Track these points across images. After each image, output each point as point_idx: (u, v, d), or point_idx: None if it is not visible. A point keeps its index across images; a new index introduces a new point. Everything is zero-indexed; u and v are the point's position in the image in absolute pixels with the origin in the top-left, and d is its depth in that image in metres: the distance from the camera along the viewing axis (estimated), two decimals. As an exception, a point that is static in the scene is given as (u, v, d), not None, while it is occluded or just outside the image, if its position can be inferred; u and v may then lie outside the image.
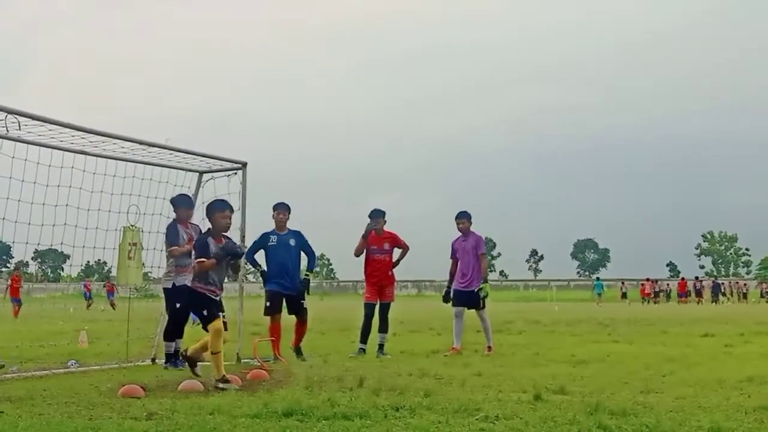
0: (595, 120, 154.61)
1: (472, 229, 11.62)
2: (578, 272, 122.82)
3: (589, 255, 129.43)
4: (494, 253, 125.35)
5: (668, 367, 8.79)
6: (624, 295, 57.68)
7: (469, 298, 11.40)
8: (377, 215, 11.34)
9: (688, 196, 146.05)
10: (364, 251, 11.35)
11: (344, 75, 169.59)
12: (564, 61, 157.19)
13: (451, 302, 11.62)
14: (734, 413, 5.49)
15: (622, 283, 62.58)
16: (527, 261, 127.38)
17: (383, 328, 11.23)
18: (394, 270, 11.54)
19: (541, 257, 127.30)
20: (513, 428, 4.90)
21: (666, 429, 4.75)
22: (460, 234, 11.58)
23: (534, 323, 20.40)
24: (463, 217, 11.54)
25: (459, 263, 11.53)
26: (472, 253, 11.43)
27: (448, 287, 11.72)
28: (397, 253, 11.55)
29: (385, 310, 11.28)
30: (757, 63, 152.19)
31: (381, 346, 11.08)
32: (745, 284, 67.61)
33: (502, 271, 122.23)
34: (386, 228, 11.45)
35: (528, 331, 16.57)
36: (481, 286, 11.47)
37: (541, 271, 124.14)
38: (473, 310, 11.46)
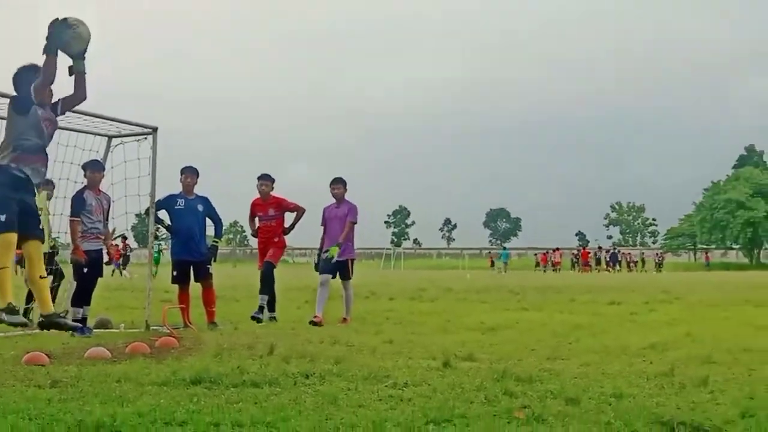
0: (513, 94, 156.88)
1: (347, 197, 11.21)
2: (490, 241, 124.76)
3: (501, 224, 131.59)
4: (408, 221, 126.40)
5: (575, 334, 8.97)
6: (492, 264, 58.95)
7: (337, 267, 10.94)
8: (264, 178, 11.29)
9: (598, 167, 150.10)
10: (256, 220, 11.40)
11: (265, 48, 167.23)
12: (491, 34, 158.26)
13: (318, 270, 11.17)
14: (636, 379, 5.62)
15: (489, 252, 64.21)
16: (440, 230, 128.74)
17: (263, 289, 10.96)
18: (288, 235, 11.44)
19: (455, 226, 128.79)
20: (421, 395, 4.94)
21: (570, 395, 4.84)
22: (334, 201, 11.24)
23: (446, 291, 20.64)
24: (338, 183, 11.22)
25: (328, 230, 11.18)
26: (344, 221, 11.05)
27: (319, 255, 11.24)
28: (291, 217, 11.42)
29: (266, 270, 11.00)
30: (669, 43, 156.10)
31: (261, 308, 10.79)
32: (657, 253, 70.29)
33: (416, 239, 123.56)
34: (278, 194, 11.40)
35: (440, 299, 16.76)
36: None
37: (454, 239, 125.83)
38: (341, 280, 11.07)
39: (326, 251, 10.92)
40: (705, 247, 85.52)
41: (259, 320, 10.55)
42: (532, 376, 5.59)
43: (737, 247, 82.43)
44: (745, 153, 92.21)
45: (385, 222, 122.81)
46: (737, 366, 6.07)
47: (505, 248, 68.85)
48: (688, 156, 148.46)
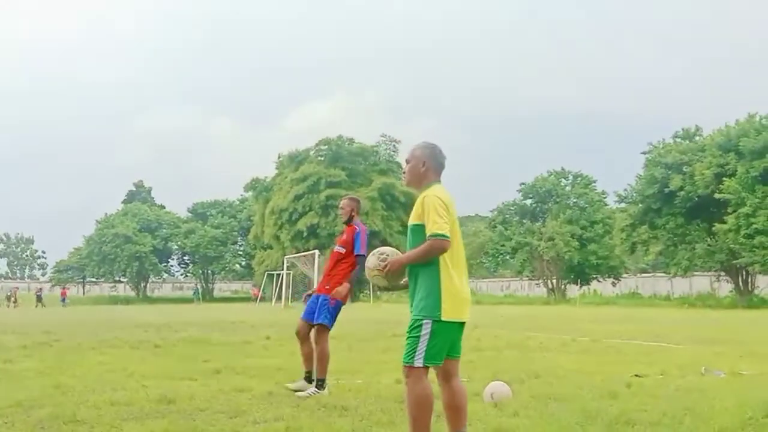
0: None
1: None
2: None
3: None
4: None
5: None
6: None
7: None
8: None
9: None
10: None
11: None
12: None
13: None
14: None
15: None
16: None
17: None
18: None
19: None
20: None
21: None
22: None
23: None
24: None
25: None
26: None
27: None
28: None
29: None
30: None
31: None
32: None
33: None
34: None
35: None
36: None
37: None
38: None
39: None
40: (94, 280, 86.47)
41: None
42: None
43: (125, 280, 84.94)
44: (134, 188, 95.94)
45: None
46: (101, 425, 6.04)
47: None
48: (80, 190, 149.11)
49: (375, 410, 6.73)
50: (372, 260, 4.96)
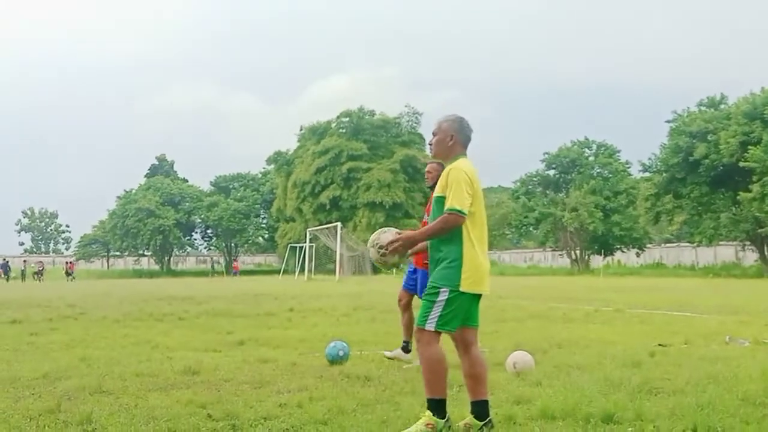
0: None
1: None
2: None
3: None
4: None
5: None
6: None
7: None
8: None
9: (8, 171, 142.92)
10: None
11: None
12: None
13: None
14: (21, 421, 5.20)
15: None
16: None
17: None
18: None
19: None
20: None
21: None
22: None
23: None
24: None
25: None
26: None
27: None
28: None
29: None
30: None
31: None
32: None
33: None
34: None
35: None
36: None
37: None
38: None
39: None
40: (118, 254, 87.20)
41: None
42: None
43: (149, 254, 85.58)
44: (157, 162, 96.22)
45: None
46: (126, 395, 6.12)
47: None
48: (103, 163, 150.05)
49: (398, 380, 6.76)
50: (372, 253, 5.14)
